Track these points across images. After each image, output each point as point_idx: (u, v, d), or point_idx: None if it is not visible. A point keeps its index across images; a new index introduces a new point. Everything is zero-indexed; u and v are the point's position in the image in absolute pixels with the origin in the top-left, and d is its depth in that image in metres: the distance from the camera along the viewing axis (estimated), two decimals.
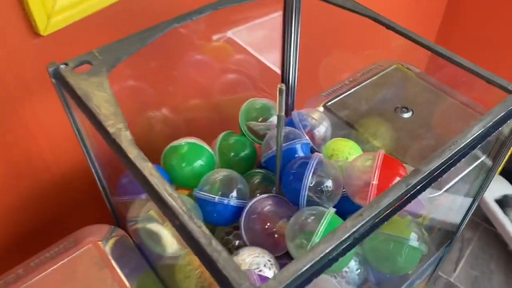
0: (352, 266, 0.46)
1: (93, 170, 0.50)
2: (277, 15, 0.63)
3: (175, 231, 0.30)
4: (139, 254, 0.53)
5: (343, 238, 0.28)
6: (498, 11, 1.09)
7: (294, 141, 0.53)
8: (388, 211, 0.30)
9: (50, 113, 0.57)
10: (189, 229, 0.28)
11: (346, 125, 0.64)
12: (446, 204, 0.58)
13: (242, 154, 0.57)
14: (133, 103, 0.59)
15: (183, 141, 0.55)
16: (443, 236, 0.62)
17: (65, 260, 0.51)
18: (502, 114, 0.35)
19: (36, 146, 0.58)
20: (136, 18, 0.55)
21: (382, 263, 0.46)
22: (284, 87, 0.39)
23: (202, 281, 0.47)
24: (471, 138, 0.34)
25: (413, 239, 0.44)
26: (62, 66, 0.41)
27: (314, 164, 0.47)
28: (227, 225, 0.51)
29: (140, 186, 0.32)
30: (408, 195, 0.31)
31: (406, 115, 0.64)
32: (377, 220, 0.29)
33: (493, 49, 1.16)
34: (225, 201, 0.49)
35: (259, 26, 0.72)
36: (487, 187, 0.55)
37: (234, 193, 0.49)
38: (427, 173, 0.31)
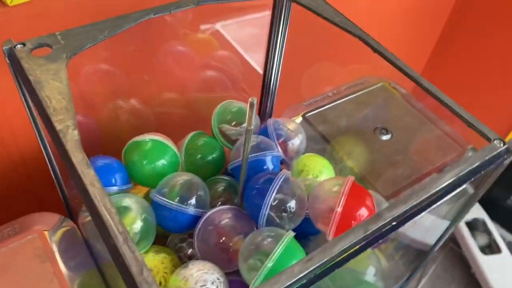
0: None
1: (45, 157, 0.46)
2: (269, 14, 0.60)
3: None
4: (86, 250, 0.50)
5: (288, 284, 0.26)
6: (497, 39, 1.08)
7: (265, 152, 0.51)
8: (342, 257, 0.28)
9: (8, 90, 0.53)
10: (122, 253, 0.26)
11: (322, 140, 0.61)
12: (422, 224, 0.57)
13: (210, 157, 0.55)
14: (102, 88, 0.56)
15: (147, 137, 0.52)
16: (413, 256, 0.60)
17: (5, 248, 0.48)
18: (476, 164, 0.34)
19: None
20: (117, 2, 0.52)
21: None
22: (255, 101, 0.36)
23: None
24: (441, 187, 0.32)
25: (370, 274, 0.42)
26: (19, 46, 0.37)
27: (280, 182, 0.45)
28: (182, 233, 0.49)
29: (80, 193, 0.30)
30: (366, 242, 0.29)
31: (385, 137, 0.62)
32: (327, 266, 0.27)
33: (487, 80, 1.15)
34: (183, 208, 0.46)
35: (250, 22, 0.69)
36: (467, 212, 0.54)
37: (193, 201, 0.47)
38: (388, 220, 0.29)
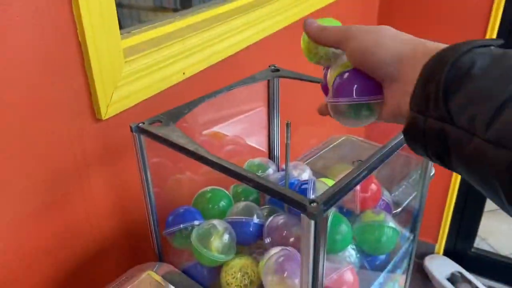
0: (352, 252, 0.63)
1: (149, 208, 0.65)
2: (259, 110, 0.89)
3: None
4: (186, 277, 0.66)
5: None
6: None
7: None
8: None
9: (101, 184, 0.73)
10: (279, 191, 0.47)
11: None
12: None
13: (251, 198, 0.76)
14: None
15: (208, 188, 0.73)
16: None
17: (129, 286, 0.63)
18: None
19: (85, 213, 0.72)
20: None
21: (371, 246, 0.64)
22: (290, 122, 0.61)
23: (245, 278, 0.62)
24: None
25: (390, 222, 0.64)
26: (140, 124, 0.60)
27: (312, 183, 0.67)
28: (253, 241, 0.67)
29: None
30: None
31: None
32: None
33: None
34: (249, 219, 0.65)
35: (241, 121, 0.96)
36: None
37: (255, 215, 0.67)
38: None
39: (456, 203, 1.87)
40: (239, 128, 0.92)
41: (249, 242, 0.68)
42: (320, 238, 0.44)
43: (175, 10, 0.89)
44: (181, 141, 0.56)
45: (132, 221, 0.80)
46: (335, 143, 0.95)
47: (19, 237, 0.64)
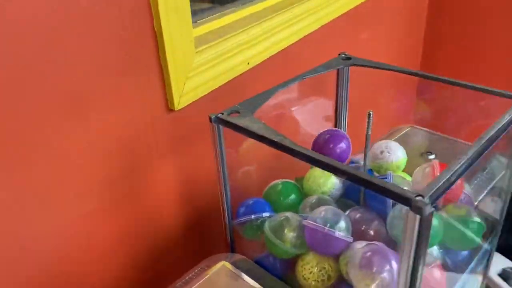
0: (434, 247, 0.61)
1: (224, 198, 0.65)
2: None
3: None
4: (260, 267, 0.65)
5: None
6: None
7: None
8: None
9: (172, 173, 0.74)
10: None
11: None
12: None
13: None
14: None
15: (279, 181, 0.72)
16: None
17: (205, 277, 0.63)
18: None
19: (157, 201, 0.73)
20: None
21: (454, 242, 0.61)
22: (371, 112, 0.59)
23: (323, 274, 0.60)
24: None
25: (475, 216, 0.61)
26: (219, 115, 0.59)
27: (391, 177, 0.65)
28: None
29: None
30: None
31: (431, 157, 0.84)
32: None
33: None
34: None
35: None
36: None
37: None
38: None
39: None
40: (305, 118, 0.91)
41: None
42: (423, 234, 0.42)
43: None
44: (264, 132, 0.54)
45: (200, 211, 0.80)
46: (400, 134, 0.92)
47: (95, 229, 0.65)
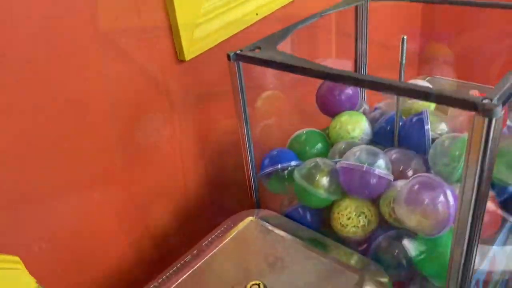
0: None
1: (247, 145, 0.59)
2: None
3: None
4: (290, 220, 0.60)
5: None
6: None
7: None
8: None
9: (186, 128, 0.68)
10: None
11: None
12: None
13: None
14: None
15: (304, 130, 0.67)
16: None
17: (233, 234, 0.58)
18: None
19: (174, 155, 0.67)
20: None
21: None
22: (405, 37, 0.54)
23: (362, 219, 0.55)
24: None
25: None
26: (238, 51, 0.54)
27: (427, 114, 0.60)
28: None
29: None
30: None
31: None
32: None
33: None
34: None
35: None
36: None
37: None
38: None
39: None
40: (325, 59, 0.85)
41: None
42: (493, 140, 0.37)
43: None
44: (293, 60, 0.49)
45: (217, 169, 0.75)
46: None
47: (111, 190, 0.59)
